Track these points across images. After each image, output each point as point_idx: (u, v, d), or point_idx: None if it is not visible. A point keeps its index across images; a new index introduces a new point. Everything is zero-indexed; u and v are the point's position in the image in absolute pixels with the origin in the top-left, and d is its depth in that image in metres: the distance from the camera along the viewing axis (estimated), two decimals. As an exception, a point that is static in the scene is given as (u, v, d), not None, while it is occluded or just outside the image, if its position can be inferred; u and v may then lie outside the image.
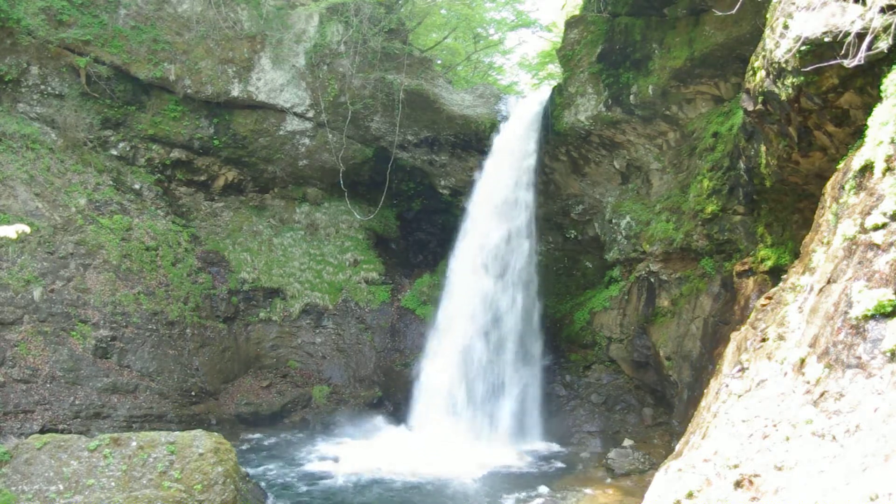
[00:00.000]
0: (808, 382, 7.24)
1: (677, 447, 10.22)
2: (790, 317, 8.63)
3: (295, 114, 23.50)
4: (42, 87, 20.99)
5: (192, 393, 20.70)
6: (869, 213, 7.52)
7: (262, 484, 15.49)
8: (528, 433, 20.37)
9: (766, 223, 15.15)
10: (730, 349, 10.55)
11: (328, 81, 23.20)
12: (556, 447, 19.91)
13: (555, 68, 30.73)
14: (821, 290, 7.98)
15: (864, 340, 6.76)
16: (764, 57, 11.05)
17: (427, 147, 24.33)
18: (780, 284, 10.08)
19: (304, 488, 16.29)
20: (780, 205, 14.27)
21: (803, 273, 9.18)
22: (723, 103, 17.50)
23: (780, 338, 8.47)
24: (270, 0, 22.99)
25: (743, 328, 10.56)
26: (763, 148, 12.98)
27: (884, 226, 7.24)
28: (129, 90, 21.81)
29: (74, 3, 20.96)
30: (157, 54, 21.68)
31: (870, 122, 8.21)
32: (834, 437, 6.46)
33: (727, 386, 8.92)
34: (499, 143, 22.19)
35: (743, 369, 8.95)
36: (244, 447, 19.54)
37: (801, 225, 13.58)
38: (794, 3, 9.81)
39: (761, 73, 11.29)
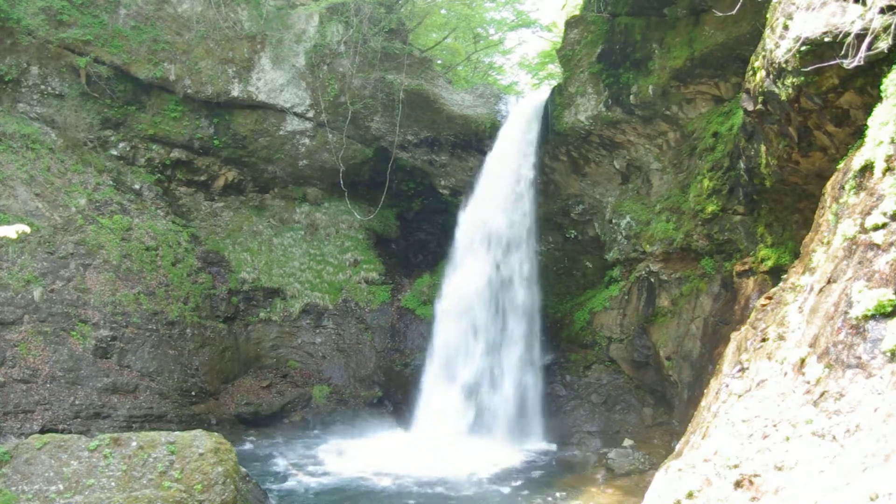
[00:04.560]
0: (808, 382, 7.24)
1: (677, 447, 10.23)
2: (790, 317, 8.63)
3: (295, 114, 23.50)
4: (42, 87, 20.99)
5: (192, 393, 20.70)
6: (869, 213, 7.53)
7: (262, 484, 15.49)
8: (527, 433, 20.37)
9: (766, 223, 15.16)
10: (730, 349, 10.55)
11: (328, 81, 23.20)
12: (555, 447, 19.91)
13: (555, 68, 30.73)
14: (821, 290, 7.98)
15: (864, 340, 6.76)
16: (764, 57, 11.05)
17: (427, 147, 24.33)
18: (780, 284, 10.08)
19: (304, 488, 16.29)
20: (780, 205, 14.28)
21: (803, 273, 9.18)
22: (723, 103, 17.50)
23: (781, 338, 8.47)
24: (270, 0, 22.99)
25: (743, 328, 10.56)
26: (763, 148, 12.98)
27: (884, 226, 7.24)
28: (129, 90, 21.81)
29: (74, 3, 20.95)
30: (157, 54, 21.68)
31: (870, 122, 8.22)
32: (834, 437, 6.46)
33: (727, 386, 8.92)
34: (499, 142, 22.19)
35: (743, 369, 8.96)
36: (244, 447, 19.53)
37: (801, 225, 13.58)
38: (794, 3, 9.81)
39: (761, 73, 11.29)
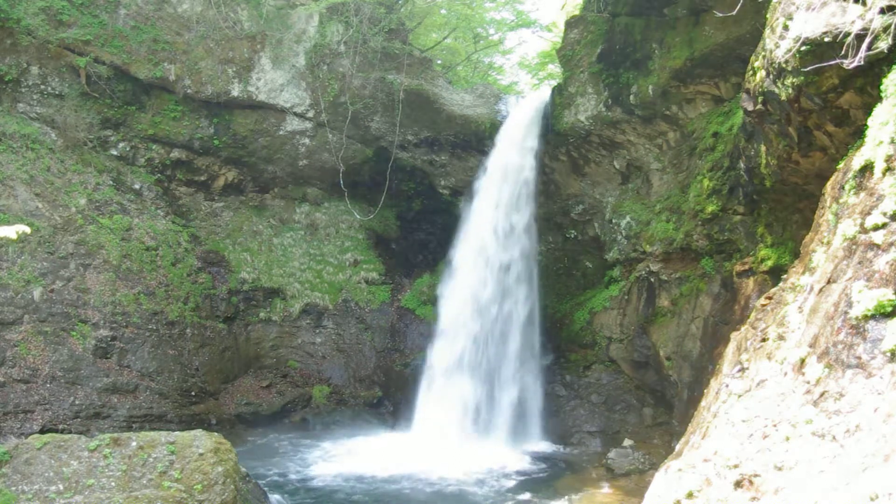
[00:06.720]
0: (808, 382, 7.24)
1: (677, 447, 10.23)
2: (790, 317, 8.63)
3: (295, 114, 23.49)
4: (42, 87, 20.98)
5: (192, 393, 20.70)
6: (869, 213, 7.52)
7: (263, 484, 15.49)
8: (528, 433, 20.37)
9: (766, 223, 15.15)
10: (730, 349, 10.55)
11: (328, 81, 23.20)
12: (556, 447, 19.91)
13: (555, 68, 30.72)
14: (821, 290, 7.98)
15: (864, 340, 6.76)
16: (764, 57, 11.05)
17: (427, 147, 24.33)
18: (780, 284, 10.08)
19: (304, 488, 16.29)
20: (780, 205, 14.27)
21: (803, 273, 9.18)
22: (723, 103, 17.50)
23: (780, 338, 8.47)
24: (270, 0, 22.99)
25: (743, 328, 10.56)
26: (763, 148, 12.98)
27: (884, 226, 7.24)
28: (129, 90, 21.80)
29: (74, 3, 20.95)
30: (157, 54, 21.67)
31: (870, 122, 8.22)
32: (834, 437, 6.46)
33: (727, 386, 8.92)
34: (498, 142, 22.19)
35: (743, 369, 8.95)
36: (244, 447, 19.53)
37: (801, 225, 13.57)
38: (794, 3, 9.81)
39: (761, 73, 11.29)
